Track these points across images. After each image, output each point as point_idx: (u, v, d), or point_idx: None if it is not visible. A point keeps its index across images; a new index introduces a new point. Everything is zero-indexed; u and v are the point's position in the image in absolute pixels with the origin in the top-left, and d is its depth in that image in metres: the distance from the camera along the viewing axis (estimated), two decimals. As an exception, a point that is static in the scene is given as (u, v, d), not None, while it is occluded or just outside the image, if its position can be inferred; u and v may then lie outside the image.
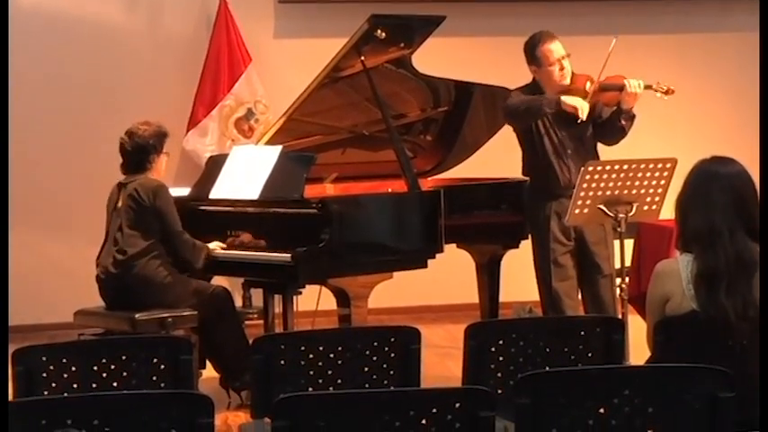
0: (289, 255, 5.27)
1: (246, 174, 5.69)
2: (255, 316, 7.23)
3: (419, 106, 6.44)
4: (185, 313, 5.46)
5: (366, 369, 3.56)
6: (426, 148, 6.58)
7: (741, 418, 2.97)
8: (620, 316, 5.12)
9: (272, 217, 5.58)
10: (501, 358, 3.66)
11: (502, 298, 6.40)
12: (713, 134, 8.24)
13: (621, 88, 5.53)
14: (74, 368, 3.44)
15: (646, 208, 5.17)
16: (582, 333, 3.71)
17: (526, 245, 5.88)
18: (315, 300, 5.74)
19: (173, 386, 3.44)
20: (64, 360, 3.44)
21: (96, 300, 5.66)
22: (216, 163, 6.01)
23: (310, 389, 3.52)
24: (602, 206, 5.10)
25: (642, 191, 5.12)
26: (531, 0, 8.30)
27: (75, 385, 3.43)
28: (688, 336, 3.43)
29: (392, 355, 3.58)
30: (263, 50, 8.00)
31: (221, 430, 5.15)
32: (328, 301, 5.65)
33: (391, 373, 3.58)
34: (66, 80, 7.88)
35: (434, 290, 7.82)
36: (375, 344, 3.57)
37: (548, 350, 3.68)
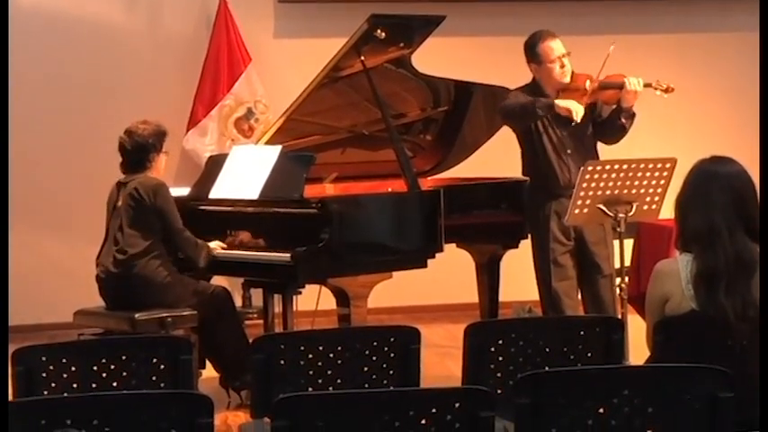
0: (288, 254, 5.27)
1: (246, 173, 5.69)
2: (255, 316, 7.22)
3: (419, 106, 6.44)
4: (185, 313, 5.45)
5: (366, 369, 3.56)
6: (426, 148, 6.58)
7: (741, 419, 2.97)
8: (619, 316, 5.11)
9: (271, 217, 5.58)
10: (500, 358, 3.65)
11: (502, 298, 6.40)
12: (713, 134, 8.24)
13: (621, 86, 5.53)
14: (74, 368, 3.44)
15: (645, 208, 5.17)
16: (581, 333, 3.70)
17: (526, 245, 5.88)
18: (314, 299, 5.74)
19: (172, 386, 3.44)
20: (64, 360, 3.44)
21: (96, 300, 5.66)
22: (216, 163, 6.00)
23: (310, 389, 3.52)
24: (601, 206, 5.11)
25: (642, 191, 5.12)
26: (531, 0, 8.30)
27: (74, 385, 3.43)
28: (688, 336, 3.43)
29: (392, 354, 3.58)
30: (262, 50, 8.00)
31: (221, 430, 5.15)
32: (328, 301, 5.65)
33: (391, 372, 3.58)
34: (66, 80, 7.88)
35: (434, 289, 7.81)
36: (375, 344, 3.57)
37: (547, 350, 3.68)
